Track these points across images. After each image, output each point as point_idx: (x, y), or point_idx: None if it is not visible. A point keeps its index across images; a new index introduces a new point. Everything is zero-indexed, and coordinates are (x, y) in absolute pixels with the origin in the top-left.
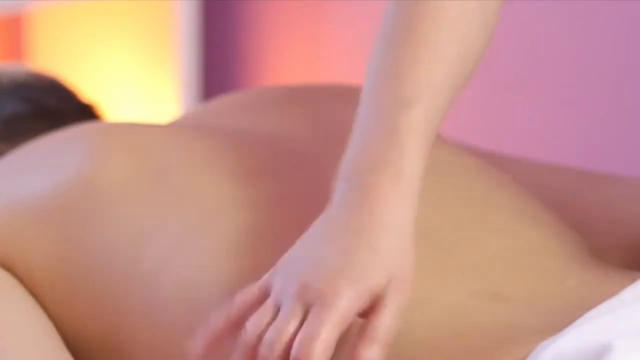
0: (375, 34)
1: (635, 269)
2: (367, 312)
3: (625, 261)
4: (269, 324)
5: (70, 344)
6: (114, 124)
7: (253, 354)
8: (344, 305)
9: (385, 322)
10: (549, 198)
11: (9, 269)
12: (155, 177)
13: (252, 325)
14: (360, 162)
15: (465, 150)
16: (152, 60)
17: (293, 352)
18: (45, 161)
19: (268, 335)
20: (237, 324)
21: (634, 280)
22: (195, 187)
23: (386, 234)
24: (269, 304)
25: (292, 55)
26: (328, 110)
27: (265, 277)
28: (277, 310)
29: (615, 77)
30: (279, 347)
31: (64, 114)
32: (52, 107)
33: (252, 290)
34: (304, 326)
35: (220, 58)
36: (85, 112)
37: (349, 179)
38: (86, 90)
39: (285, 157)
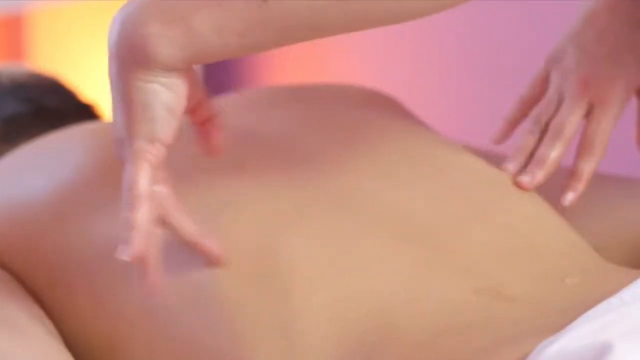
0: (375, 34)
1: (635, 269)
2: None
3: (625, 261)
4: (554, 113)
5: (70, 344)
6: None
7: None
8: (620, 108)
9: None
10: (549, 198)
11: (9, 269)
12: None
13: (541, 112)
14: None
15: (465, 150)
16: None
17: (584, 140)
18: (45, 161)
19: (555, 121)
20: (527, 110)
21: (634, 278)
22: (195, 184)
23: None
24: (553, 96)
25: (292, 55)
26: (330, 111)
27: (540, 72)
28: (559, 102)
29: None
30: (567, 133)
31: (64, 114)
32: (52, 107)
33: (536, 83)
34: (591, 122)
35: None
36: (85, 112)
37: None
38: (86, 90)
39: (288, 156)
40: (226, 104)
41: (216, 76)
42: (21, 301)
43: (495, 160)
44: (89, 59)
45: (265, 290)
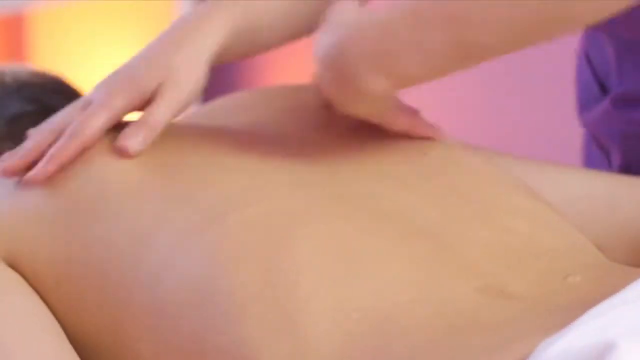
0: None
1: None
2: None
3: (627, 261)
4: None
5: (76, 342)
6: (115, 123)
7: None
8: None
9: (155, 111)
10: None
11: (15, 266)
12: (159, 175)
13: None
14: None
15: (466, 149)
16: None
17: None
18: None
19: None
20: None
21: (636, 277)
22: (200, 183)
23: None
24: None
25: (292, 55)
26: (332, 111)
27: None
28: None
29: None
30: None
31: None
32: (56, 106)
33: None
34: (83, 114)
35: None
36: None
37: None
38: (87, 90)
39: (292, 158)
40: (227, 104)
41: (216, 76)
42: (26, 299)
43: (498, 159)
44: (89, 58)
45: (270, 289)
